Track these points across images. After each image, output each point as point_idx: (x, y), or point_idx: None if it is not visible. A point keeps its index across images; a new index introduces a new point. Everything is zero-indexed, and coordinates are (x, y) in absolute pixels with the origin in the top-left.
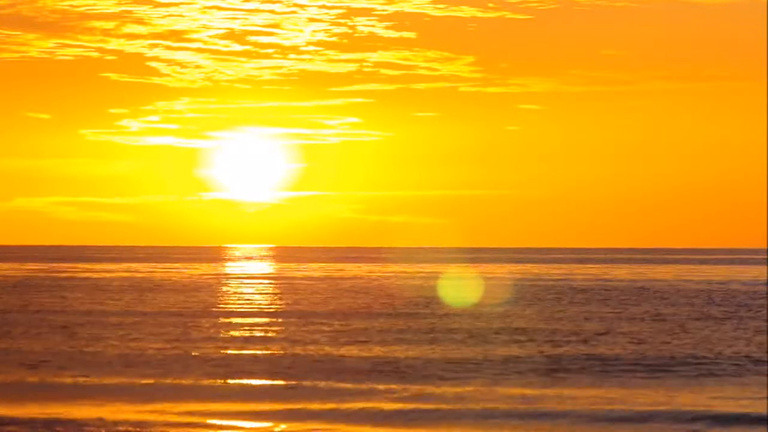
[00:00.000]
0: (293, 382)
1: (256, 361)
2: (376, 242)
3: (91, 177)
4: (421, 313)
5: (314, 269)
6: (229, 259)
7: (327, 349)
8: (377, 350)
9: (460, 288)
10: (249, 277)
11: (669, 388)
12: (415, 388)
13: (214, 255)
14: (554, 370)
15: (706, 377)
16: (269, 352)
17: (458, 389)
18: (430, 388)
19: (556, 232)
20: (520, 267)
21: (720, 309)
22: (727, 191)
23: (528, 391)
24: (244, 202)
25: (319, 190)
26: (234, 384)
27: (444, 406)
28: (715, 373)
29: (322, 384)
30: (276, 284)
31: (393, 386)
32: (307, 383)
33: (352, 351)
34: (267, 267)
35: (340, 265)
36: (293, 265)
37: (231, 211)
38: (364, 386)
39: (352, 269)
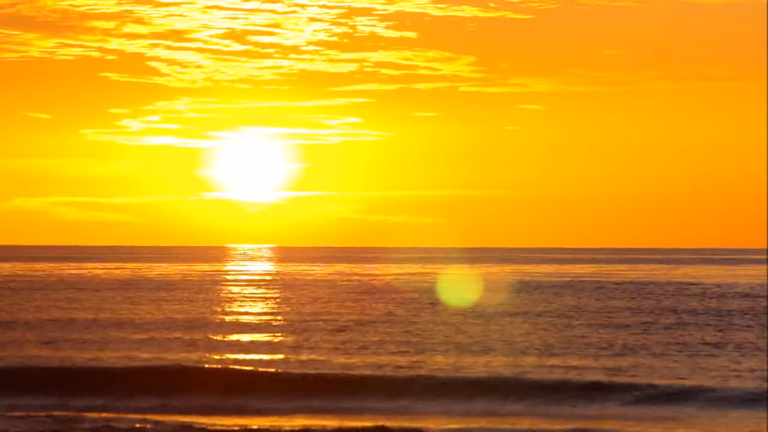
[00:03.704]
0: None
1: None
2: (376, 242)
3: (91, 177)
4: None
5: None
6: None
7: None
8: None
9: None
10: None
11: None
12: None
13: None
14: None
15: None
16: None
17: None
18: None
19: (556, 232)
20: (511, 267)
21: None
22: (727, 191)
23: None
24: (244, 202)
25: (320, 190)
26: None
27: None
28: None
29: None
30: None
31: None
32: None
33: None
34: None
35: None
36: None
37: (232, 211)
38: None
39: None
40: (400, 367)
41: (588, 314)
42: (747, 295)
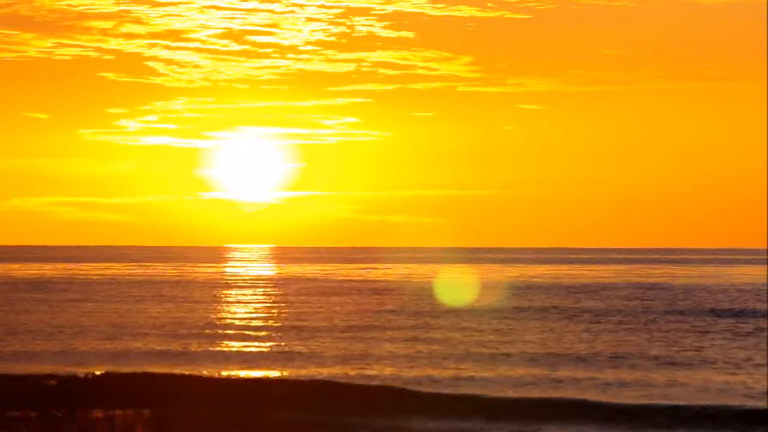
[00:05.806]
0: None
1: None
2: (374, 242)
3: (89, 177)
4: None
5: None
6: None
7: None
8: None
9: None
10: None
11: None
12: None
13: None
14: None
15: None
16: None
17: None
18: None
19: (555, 232)
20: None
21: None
22: (727, 191)
23: None
24: (242, 201)
25: (318, 190)
26: None
27: None
28: None
29: None
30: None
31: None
32: None
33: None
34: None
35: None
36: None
37: (230, 210)
38: None
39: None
40: (403, 377)
41: (580, 317)
42: (746, 296)
